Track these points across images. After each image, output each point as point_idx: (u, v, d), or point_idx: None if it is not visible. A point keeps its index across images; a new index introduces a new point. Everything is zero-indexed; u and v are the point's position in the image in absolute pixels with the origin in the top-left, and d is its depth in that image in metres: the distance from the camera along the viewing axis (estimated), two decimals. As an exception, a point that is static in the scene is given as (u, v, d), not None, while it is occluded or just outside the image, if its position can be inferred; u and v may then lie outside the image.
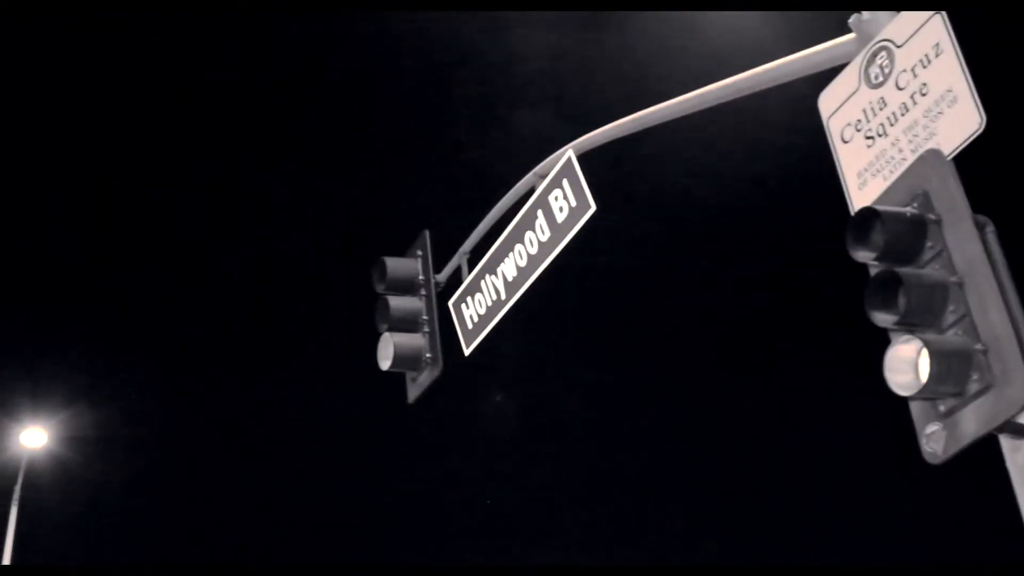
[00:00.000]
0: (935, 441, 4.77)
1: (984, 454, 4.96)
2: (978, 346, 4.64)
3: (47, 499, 22.04)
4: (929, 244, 4.95)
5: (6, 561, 19.02)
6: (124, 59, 26.29)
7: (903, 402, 4.94)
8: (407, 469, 27.62)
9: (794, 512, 25.74)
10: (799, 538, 25.43)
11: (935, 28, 5.58)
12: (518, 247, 8.54)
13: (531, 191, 8.62)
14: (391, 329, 9.11)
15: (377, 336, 9.28)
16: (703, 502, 26.92)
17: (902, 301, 4.86)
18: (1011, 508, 4.88)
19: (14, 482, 19.57)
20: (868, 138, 5.92)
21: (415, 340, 9.11)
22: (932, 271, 4.90)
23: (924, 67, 5.62)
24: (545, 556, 25.92)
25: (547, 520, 27.48)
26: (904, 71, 5.72)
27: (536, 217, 8.34)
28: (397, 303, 9.20)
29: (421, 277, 9.38)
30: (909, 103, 5.67)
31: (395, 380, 9.60)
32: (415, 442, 25.91)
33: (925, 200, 5.01)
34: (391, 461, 27.60)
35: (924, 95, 5.61)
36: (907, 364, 4.74)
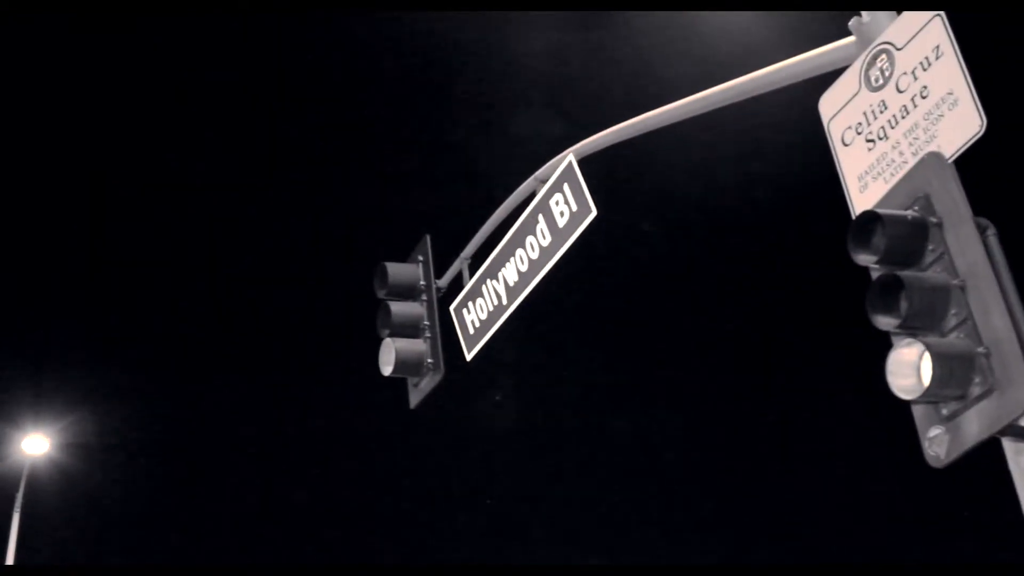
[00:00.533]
0: (938, 445, 4.76)
1: (987, 457, 4.96)
2: (980, 349, 4.63)
3: (49, 505, 22.08)
4: (930, 247, 4.94)
5: (9, 559, 19.04)
6: (124, 59, 26.31)
7: (905, 404, 4.94)
8: (407, 470, 27.64)
9: (796, 513, 25.77)
10: (800, 539, 25.45)
11: (935, 31, 5.58)
12: (519, 252, 8.53)
13: (532, 195, 8.61)
14: (392, 334, 9.09)
15: (378, 339, 9.28)
16: (704, 503, 26.93)
17: (904, 304, 4.85)
18: (1014, 510, 4.88)
19: (16, 489, 19.62)
20: (869, 141, 5.91)
21: (416, 345, 9.10)
22: (934, 274, 4.89)
23: (924, 70, 5.62)
24: (545, 556, 25.92)
25: (547, 520, 27.48)
26: (904, 74, 5.71)
27: (537, 222, 8.33)
28: (398, 308, 9.19)
29: (422, 282, 9.36)
30: (910, 106, 5.66)
31: (395, 382, 9.60)
32: (415, 443, 25.94)
33: (926, 203, 5.00)
34: (392, 462, 27.62)
35: (924, 98, 5.60)
36: (909, 368, 4.74)
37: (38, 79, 25.69)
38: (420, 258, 9.48)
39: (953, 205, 4.92)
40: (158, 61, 27.10)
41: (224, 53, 26.80)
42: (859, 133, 5.97)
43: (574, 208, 7.98)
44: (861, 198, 5.85)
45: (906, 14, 5.78)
